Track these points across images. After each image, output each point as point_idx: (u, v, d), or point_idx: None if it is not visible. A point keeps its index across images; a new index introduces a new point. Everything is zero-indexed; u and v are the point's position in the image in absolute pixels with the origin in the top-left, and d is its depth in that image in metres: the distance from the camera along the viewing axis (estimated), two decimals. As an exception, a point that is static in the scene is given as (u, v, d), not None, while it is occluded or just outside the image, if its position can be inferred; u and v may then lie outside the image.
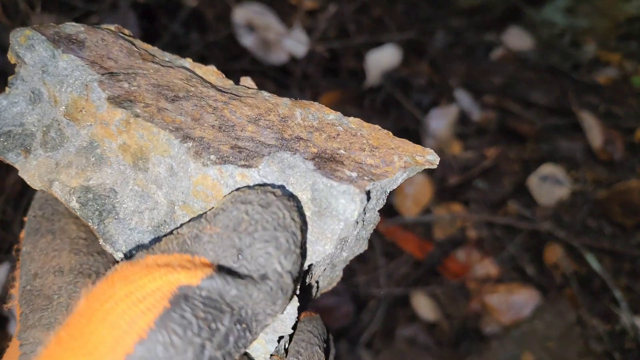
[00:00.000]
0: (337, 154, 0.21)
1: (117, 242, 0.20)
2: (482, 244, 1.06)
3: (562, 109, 1.30)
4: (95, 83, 0.21)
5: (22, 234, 0.23)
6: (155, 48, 0.26)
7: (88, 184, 0.21)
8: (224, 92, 0.24)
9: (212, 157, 0.20)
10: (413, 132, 1.19)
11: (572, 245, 1.05)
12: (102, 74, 0.22)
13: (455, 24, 1.49)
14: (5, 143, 0.22)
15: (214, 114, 0.22)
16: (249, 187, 0.19)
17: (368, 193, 0.20)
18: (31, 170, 0.22)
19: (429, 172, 1.14)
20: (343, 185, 0.19)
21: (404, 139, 0.23)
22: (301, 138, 0.22)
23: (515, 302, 0.97)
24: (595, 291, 1.00)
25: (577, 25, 1.60)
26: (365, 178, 0.20)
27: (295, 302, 0.19)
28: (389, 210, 1.09)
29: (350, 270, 1.01)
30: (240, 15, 1.06)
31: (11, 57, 0.22)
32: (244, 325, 0.16)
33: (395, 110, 1.22)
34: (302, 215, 0.19)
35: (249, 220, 0.16)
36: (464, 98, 1.28)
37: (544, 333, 0.86)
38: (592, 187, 1.16)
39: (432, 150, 0.22)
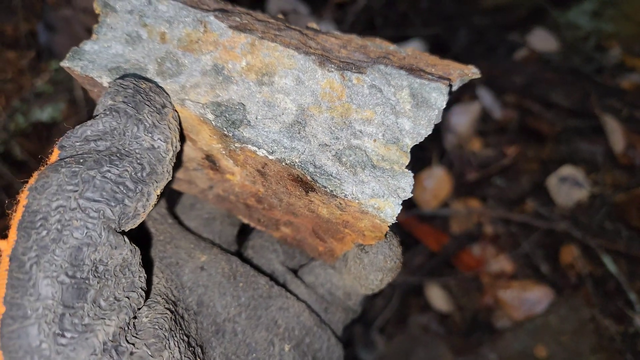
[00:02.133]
0: (414, 67, 0.25)
1: (256, 141, 0.23)
2: (498, 240, 1.08)
3: (583, 111, 1.30)
4: (212, 17, 0.24)
5: None
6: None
7: (217, 100, 0.23)
8: (306, 28, 0.27)
9: (332, 66, 0.24)
10: (434, 126, 1.20)
11: (588, 246, 1.06)
12: (213, 11, 0.24)
13: (479, 23, 1.49)
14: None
15: (313, 40, 0.25)
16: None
17: (450, 87, 0.24)
18: None
19: (448, 167, 1.15)
20: (433, 83, 0.23)
21: (450, 60, 0.27)
22: (383, 57, 0.26)
23: (528, 298, 0.99)
24: (609, 292, 1.00)
25: (603, 29, 1.58)
26: (443, 79, 0.24)
27: (410, 174, 0.24)
28: (407, 202, 1.11)
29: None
30: (274, 5, 1.09)
31: (97, 8, 0.24)
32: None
33: (418, 104, 1.23)
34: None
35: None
36: (485, 96, 1.29)
37: (558, 327, 0.87)
38: (611, 191, 1.16)
39: (473, 66, 0.26)
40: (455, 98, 1.27)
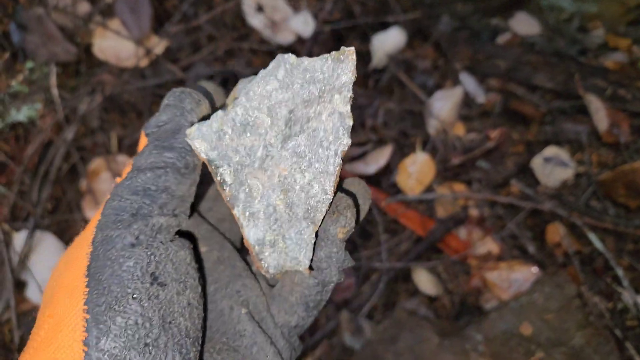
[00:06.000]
0: None
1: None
2: (484, 223, 1.08)
3: (568, 92, 1.30)
4: None
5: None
6: None
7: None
8: None
9: None
10: (417, 113, 1.20)
11: (574, 225, 1.05)
12: None
13: (461, 9, 1.49)
14: None
15: None
16: None
17: None
18: None
19: (432, 152, 1.15)
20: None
21: None
22: None
23: (516, 279, 0.99)
24: (597, 270, 1.00)
25: (586, 11, 1.58)
26: None
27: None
28: (391, 188, 1.11)
29: (353, 246, 1.03)
30: (248, -5, 1.09)
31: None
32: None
33: (400, 91, 1.23)
34: None
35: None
36: (468, 81, 1.29)
37: (543, 305, 0.87)
38: (596, 169, 1.16)
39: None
40: (437, 84, 1.27)
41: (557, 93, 1.30)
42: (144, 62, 0.99)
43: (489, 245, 1.04)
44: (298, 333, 0.30)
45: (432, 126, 1.18)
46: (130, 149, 0.97)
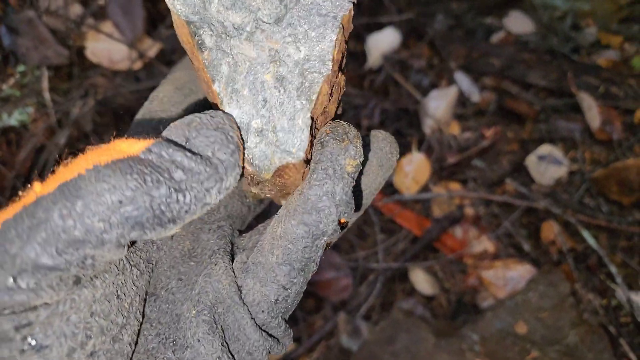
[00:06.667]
0: None
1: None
2: (480, 221, 1.08)
3: (561, 90, 1.31)
4: None
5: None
6: None
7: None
8: None
9: None
10: (412, 112, 1.20)
11: (568, 222, 1.07)
12: None
13: (456, 7, 1.49)
14: None
15: None
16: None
17: None
18: None
19: (428, 151, 1.16)
20: None
21: None
22: None
23: (511, 277, 0.99)
24: (591, 267, 1.01)
25: (579, 8, 1.59)
26: None
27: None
28: (388, 188, 1.11)
29: (349, 246, 1.04)
30: None
31: None
32: (176, 188, 0.18)
33: (395, 90, 1.23)
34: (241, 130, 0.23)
35: (199, 120, 0.20)
36: (463, 80, 1.29)
37: (538, 304, 0.88)
38: (590, 167, 1.17)
39: None
40: (432, 83, 1.27)
41: (550, 91, 1.31)
42: (137, 65, 0.99)
43: (485, 244, 1.05)
44: (282, 312, 0.22)
45: (428, 125, 1.18)
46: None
